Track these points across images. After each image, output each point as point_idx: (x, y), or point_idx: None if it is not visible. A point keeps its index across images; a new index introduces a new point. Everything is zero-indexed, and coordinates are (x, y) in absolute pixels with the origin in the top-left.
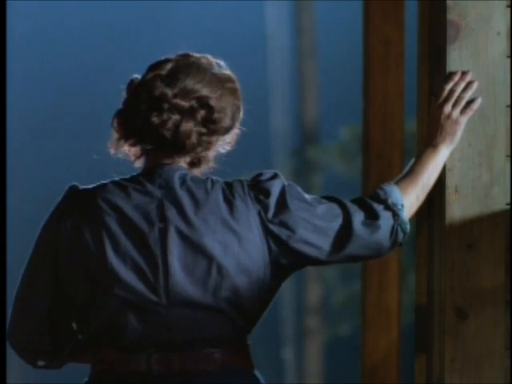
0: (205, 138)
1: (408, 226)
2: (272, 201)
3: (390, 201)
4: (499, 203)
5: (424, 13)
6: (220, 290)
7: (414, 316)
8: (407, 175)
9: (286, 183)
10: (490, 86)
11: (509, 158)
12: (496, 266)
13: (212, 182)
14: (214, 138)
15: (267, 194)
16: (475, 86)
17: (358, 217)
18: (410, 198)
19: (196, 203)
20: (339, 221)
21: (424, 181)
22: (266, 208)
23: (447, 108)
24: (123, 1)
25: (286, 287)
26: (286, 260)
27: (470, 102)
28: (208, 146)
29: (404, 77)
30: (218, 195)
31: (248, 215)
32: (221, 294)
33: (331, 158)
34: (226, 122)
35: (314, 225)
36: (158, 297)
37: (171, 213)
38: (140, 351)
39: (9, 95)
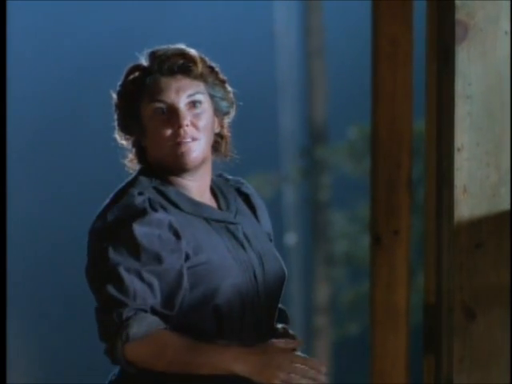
0: None
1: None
2: None
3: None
4: (507, 203)
5: (432, 12)
6: None
7: (423, 315)
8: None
9: None
10: (497, 85)
11: None
12: (504, 265)
13: None
14: None
15: None
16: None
17: None
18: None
19: None
20: None
21: (168, 355)
22: None
23: (281, 373)
24: (132, 1)
25: (294, 287)
26: None
27: None
28: None
29: (412, 76)
30: None
31: None
32: None
33: (340, 157)
34: None
35: None
36: None
37: None
38: None
39: (9, 96)
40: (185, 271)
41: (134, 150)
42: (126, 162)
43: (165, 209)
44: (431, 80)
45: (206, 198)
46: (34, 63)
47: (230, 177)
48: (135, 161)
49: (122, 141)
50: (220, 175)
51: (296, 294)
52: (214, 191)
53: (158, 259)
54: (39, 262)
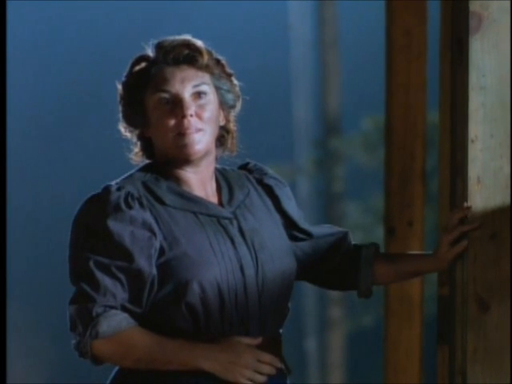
0: None
1: None
2: None
3: None
4: None
5: (446, 4)
6: None
7: (437, 307)
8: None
9: None
10: (511, 76)
11: None
12: None
13: None
14: None
15: None
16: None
17: None
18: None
19: None
20: None
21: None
22: None
23: (247, 372)
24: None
25: None
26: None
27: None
28: None
29: (426, 67)
30: None
31: None
32: None
33: (354, 148)
34: None
35: None
36: None
37: None
38: None
39: (9, 97)
40: (154, 270)
41: (139, 143)
42: (132, 155)
43: (143, 204)
44: (445, 71)
45: (209, 191)
46: (34, 63)
47: (258, 167)
48: (140, 154)
49: (126, 133)
50: (245, 166)
51: (310, 285)
52: (220, 184)
53: (129, 256)
54: (39, 262)
